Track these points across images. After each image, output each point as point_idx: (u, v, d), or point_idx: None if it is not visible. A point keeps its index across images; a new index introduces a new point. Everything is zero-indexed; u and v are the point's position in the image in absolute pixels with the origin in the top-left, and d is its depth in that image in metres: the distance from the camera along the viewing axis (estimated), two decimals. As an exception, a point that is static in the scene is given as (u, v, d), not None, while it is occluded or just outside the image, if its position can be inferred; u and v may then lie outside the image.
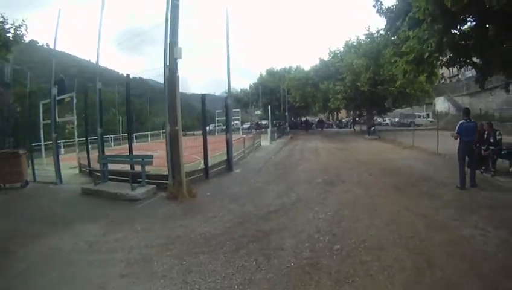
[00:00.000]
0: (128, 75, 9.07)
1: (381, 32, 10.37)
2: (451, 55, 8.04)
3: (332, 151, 13.86)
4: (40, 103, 10.95)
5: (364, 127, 29.06)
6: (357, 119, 34.51)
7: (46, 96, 10.49)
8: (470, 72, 33.89)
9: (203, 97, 8.71)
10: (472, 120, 6.47)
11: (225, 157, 9.43)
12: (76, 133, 11.10)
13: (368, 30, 23.91)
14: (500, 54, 6.89)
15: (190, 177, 7.08)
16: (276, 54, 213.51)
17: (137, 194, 6.26)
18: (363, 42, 25.34)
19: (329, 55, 28.67)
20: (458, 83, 36.39)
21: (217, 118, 35.83)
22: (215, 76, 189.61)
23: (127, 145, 8.84)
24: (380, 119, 35.38)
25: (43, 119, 10.91)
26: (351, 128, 33.77)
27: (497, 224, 3.95)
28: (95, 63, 8.92)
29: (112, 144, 23.62)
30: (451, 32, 7.06)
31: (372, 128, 21.86)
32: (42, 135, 11.25)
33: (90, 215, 5.20)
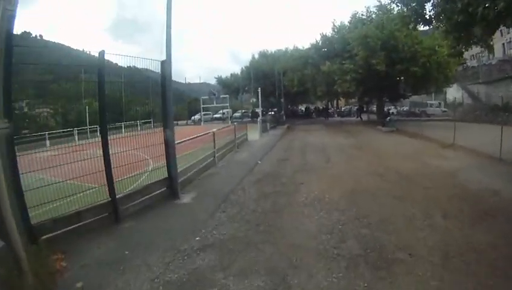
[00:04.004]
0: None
1: None
2: None
3: (348, 152, 9.49)
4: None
5: (373, 116, 25.00)
6: (363, 107, 30.31)
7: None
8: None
9: (101, 53, 4.22)
10: None
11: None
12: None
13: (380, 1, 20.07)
14: None
15: (81, 223, 3.76)
16: (271, 37, 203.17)
17: None
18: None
19: (333, 31, 23.82)
20: (466, 71, 32.80)
21: (202, 106, 32.31)
22: (208, 64, 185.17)
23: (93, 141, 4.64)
24: (386, 108, 31.26)
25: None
26: (356, 117, 29.39)
27: None
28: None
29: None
30: None
31: (388, 118, 17.61)
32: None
33: None
